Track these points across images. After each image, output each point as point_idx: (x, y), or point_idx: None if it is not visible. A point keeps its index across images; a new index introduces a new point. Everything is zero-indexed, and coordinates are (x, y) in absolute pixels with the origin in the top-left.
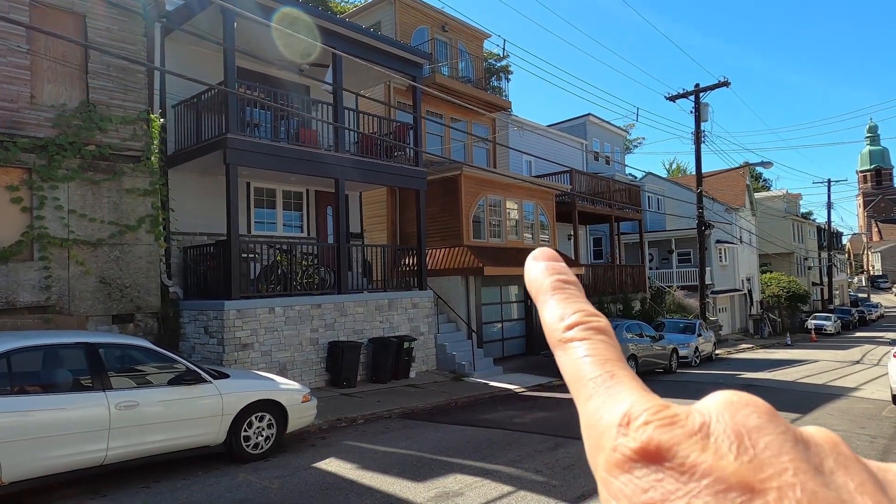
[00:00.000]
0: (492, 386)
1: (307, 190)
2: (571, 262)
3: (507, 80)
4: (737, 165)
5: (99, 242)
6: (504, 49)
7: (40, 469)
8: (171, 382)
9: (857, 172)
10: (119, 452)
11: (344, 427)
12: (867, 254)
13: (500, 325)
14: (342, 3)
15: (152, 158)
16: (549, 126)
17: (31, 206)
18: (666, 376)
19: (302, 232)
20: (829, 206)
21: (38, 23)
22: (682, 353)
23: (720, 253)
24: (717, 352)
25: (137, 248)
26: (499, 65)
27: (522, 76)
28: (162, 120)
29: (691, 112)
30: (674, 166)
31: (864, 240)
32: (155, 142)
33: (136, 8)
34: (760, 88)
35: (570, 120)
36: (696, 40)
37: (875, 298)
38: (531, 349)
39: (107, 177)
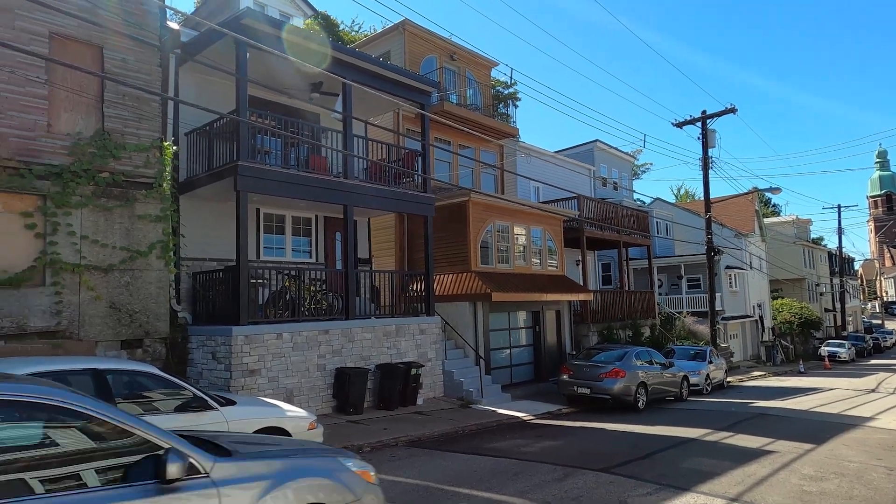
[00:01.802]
0: (500, 413)
1: (316, 216)
2: (580, 288)
3: (515, 107)
4: (745, 191)
5: (110, 268)
6: (511, 77)
7: None
8: (178, 409)
9: (867, 198)
10: None
11: None
12: (880, 279)
13: (508, 352)
14: (353, 33)
15: (164, 185)
16: (556, 152)
17: (44, 231)
18: (676, 404)
19: (310, 257)
20: (840, 231)
21: (57, 54)
22: (692, 380)
23: (730, 279)
24: (728, 379)
25: (148, 273)
26: (506, 92)
27: (530, 103)
28: (174, 147)
29: (698, 138)
30: (682, 192)
31: (877, 265)
32: (167, 169)
33: (152, 39)
34: (769, 111)
35: (577, 146)
36: (704, 62)
37: (889, 325)
38: (540, 376)
39: (119, 203)
